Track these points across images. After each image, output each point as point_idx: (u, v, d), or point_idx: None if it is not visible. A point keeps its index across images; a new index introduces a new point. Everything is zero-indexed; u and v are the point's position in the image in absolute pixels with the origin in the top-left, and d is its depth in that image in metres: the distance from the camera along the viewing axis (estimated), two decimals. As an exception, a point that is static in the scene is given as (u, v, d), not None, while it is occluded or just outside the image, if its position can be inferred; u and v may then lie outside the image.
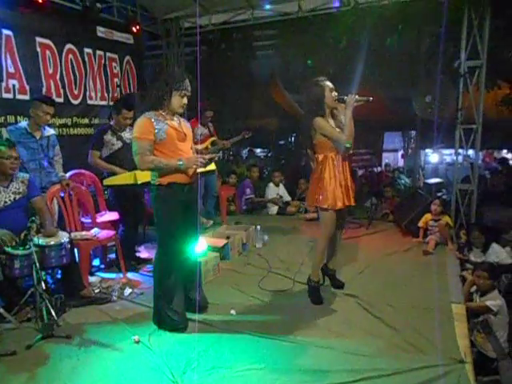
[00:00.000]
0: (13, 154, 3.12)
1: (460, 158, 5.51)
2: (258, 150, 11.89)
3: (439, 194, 6.81)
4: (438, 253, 4.43)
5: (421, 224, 4.87)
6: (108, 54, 5.61)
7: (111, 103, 5.58)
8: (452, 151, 8.49)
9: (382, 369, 2.34)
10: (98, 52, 5.45)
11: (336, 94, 3.13)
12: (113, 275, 3.87)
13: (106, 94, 5.57)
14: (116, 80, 5.76)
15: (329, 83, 3.12)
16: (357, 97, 3.04)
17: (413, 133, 11.46)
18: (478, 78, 5.13)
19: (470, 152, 5.74)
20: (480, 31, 5.01)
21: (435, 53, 5.45)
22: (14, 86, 4.32)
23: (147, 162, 2.67)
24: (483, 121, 5.18)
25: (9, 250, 2.81)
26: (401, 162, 13.68)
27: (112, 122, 4.08)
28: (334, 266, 3.51)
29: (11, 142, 3.20)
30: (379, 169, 11.70)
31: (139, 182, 3.46)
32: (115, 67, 5.76)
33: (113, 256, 4.16)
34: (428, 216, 4.84)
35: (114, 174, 3.84)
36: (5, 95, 4.24)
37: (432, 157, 11.32)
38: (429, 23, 6.13)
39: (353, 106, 3.03)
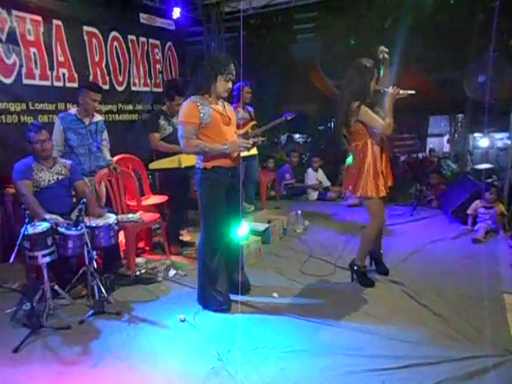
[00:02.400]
0: (40, 138, 3.18)
1: (514, 142, 5.19)
2: (297, 136, 11.76)
3: (489, 180, 6.46)
4: (488, 241, 4.23)
5: (470, 211, 4.66)
6: (150, 41, 5.70)
7: (154, 89, 5.68)
8: (505, 135, 8.00)
9: (428, 356, 2.28)
10: (141, 39, 5.55)
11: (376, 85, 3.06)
12: (157, 257, 4.00)
13: (148, 81, 5.67)
14: (158, 66, 5.86)
15: (376, 73, 3.04)
16: (400, 91, 2.95)
17: (460, 116, 10.90)
18: (536, 54, 4.78)
19: (525, 135, 5.38)
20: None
21: (489, 29, 5.10)
22: (63, 74, 4.49)
23: (192, 146, 2.70)
24: (541, 101, 4.84)
25: (63, 230, 2.96)
26: (446, 147, 13.08)
27: (164, 108, 4.19)
28: (381, 249, 3.46)
29: (37, 126, 3.26)
30: (423, 154, 11.26)
31: (183, 166, 3.52)
32: (157, 53, 5.85)
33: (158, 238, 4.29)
34: (478, 203, 4.63)
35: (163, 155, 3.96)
36: (56, 83, 4.42)
37: (482, 141, 10.66)
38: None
39: (394, 98, 2.95)
